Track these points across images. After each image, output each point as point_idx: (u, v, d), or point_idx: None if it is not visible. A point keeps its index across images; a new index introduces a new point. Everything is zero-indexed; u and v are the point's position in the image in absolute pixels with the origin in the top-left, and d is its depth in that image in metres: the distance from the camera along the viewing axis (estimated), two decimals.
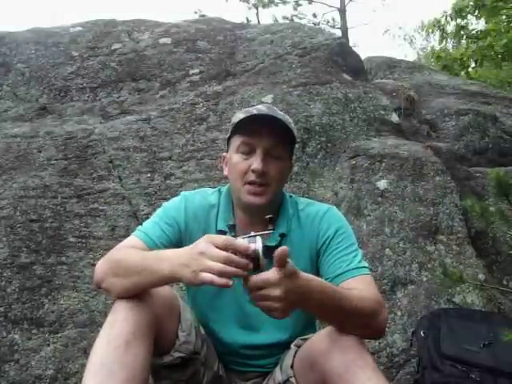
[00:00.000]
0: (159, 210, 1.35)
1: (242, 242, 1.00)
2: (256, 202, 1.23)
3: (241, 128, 1.27)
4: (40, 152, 2.53)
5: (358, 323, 1.09)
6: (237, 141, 1.28)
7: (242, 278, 0.98)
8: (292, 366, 1.22)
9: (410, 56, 17.29)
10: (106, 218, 2.29)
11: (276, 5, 13.46)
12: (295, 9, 13.74)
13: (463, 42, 8.05)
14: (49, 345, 1.90)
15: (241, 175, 1.25)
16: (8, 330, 1.91)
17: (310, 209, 1.33)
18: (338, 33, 12.12)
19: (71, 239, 2.19)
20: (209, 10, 19.81)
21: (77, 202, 2.32)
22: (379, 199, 2.41)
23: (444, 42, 7.71)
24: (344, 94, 2.95)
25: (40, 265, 2.08)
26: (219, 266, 0.95)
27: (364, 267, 1.22)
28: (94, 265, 1.58)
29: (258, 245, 1.00)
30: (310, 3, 13.81)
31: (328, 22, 13.77)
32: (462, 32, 7.02)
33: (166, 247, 1.22)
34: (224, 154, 1.37)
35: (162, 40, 3.38)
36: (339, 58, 3.35)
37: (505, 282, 2.29)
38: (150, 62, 3.20)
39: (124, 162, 2.54)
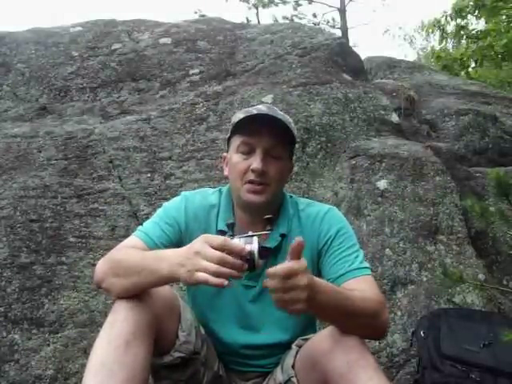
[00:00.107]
0: (159, 210, 1.35)
1: (237, 242, 1.00)
2: (255, 200, 1.23)
3: (240, 128, 1.27)
4: (40, 152, 2.53)
5: (360, 323, 1.09)
6: (237, 141, 1.28)
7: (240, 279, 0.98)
8: (293, 366, 1.22)
9: (410, 56, 17.30)
10: (106, 218, 2.29)
11: (276, 5, 13.47)
12: (295, 9, 13.76)
13: (463, 41, 8.05)
14: (49, 345, 1.90)
15: (240, 175, 1.25)
16: (8, 330, 1.91)
17: (311, 209, 1.33)
18: (338, 33, 12.12)
19: (71, 239, 2.19)
20: (209, 10, 19.83)
21: (77, 202, 2.32)
22: (379, 199, 2.41)
23: (444, 42, 7.71)
24: (344, 94, 2.95)
25: (40, 265, 2.08)
26: (214, 266, 0.96)
27: (366, 268, 1.22)
28: (94, 265, 1.59)
29: (253, 246, 1.00)
30: (309, 3, 13.81)
31: (328, 22, 13.79)
32: (462, 32, 7.02)
33: (167, 247, 1.22)
34: (224, 154, 1.37)
35: (162, 40, 3.37)
36: (339, 58, 3.35)
37: (505, 282, 2.29)
38: (150, 62, 3.20)
39: (124, 162, 2.54)
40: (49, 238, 2.17)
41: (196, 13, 12.25)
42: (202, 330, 1.32)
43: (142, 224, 1.33)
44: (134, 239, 1.27)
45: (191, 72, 3.15)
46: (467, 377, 1.56)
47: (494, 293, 2.13)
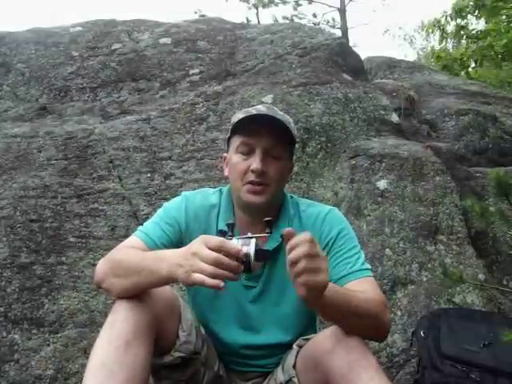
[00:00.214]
0: (160, 210, 1.34)
1: (234, 244, 1.00)
2: (255, 200, 1.23)
3: (240, 128, 1.26)
4: (40, 152, 2.53)
5: (363, 324, 1.09)
6: (236, 141, 1.28)
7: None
8: (294, 366, 1.22)
9: (410, 56, 17.31)
10: (106, 218, 2.28)
11: (276, 5, 13.47)
12: (295, 9, 13.76)
13: (463, 41, 8.04)
14: (49, 345, 1.90)
15: (240, 175, 1.24)
16: (8, 330, 1.91)
17: (312, 210, 1.32)
18: (338, 33, 12.12)
19: (71, 239, 2.19)
20: (209, 10, 19.85)
21: (77, 201, 2.32)
22: (379, 199, 2.41)
23: (444, 42, 7.70)
24: (344, 94, 2.95)
25: (40, 265, 2.08)
26: (210, 267, 0.96)
27: (367, 269, 1.22)
28: (94, 265, 1.59)
29: (250, 248, 0.99)
30: (310, 3, 13.82)
31: (328, 22, 13.79)
32: (462, 32, 7.01)
33: (167, 247, 1.22)
34: (224, 154, 1.37)
35: (162, 40, 3.37)
36: (339, 58, 3.35)
37: (505, 282, 2.29)
38: (150, 62, 3.20)
39: (124, 162, 2.54)
40: (49, 237, 2.17)
41: (196, 13, 12.28)
42: (203, 330, 1.32)
43: (142, 224, 1.33)
44: (134, 239, 1.27)
45: (191, 72, 3.15)
46: (467, 377, 1.56)
47: (494, 293, 2.13)
